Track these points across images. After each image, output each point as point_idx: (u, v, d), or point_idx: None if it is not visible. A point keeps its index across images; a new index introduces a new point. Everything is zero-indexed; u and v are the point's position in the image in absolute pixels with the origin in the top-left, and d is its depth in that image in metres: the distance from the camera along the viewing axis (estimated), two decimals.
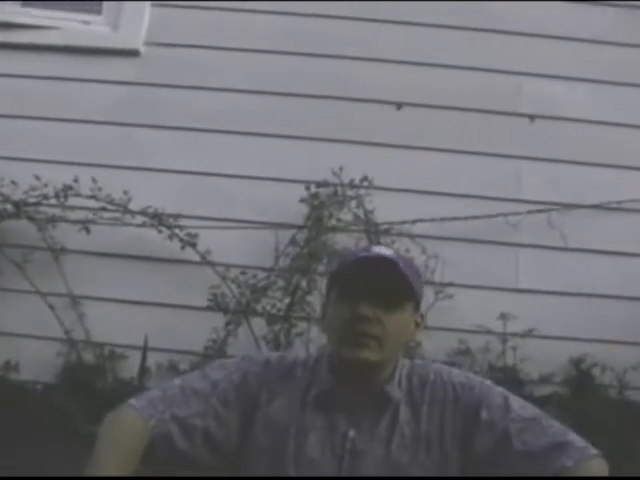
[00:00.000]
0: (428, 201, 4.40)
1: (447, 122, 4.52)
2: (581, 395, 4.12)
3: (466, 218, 4.32)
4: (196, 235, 4.26)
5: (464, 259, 4.28)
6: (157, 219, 4.27)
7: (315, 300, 4.05)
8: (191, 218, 4.31)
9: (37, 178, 4.24)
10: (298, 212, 4.29)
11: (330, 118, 4.53)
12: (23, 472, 3.76)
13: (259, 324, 4.16)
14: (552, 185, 4.45)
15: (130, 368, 4.20)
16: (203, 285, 4.18)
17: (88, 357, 4.25)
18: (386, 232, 4.26)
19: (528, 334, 4.15)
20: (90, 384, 4.16)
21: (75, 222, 4.28)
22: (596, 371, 4.18)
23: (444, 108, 4.53)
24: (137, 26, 4.67)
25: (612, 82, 4.54)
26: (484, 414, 2.13)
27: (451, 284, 4.14)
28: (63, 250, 4.34)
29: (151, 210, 4.27)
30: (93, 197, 4.26)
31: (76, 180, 4.25)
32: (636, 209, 4.35)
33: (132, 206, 4.27)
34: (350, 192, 4.31)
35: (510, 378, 4.02)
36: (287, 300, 4.18)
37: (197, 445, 2.15)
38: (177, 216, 4.28)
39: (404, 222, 4.27)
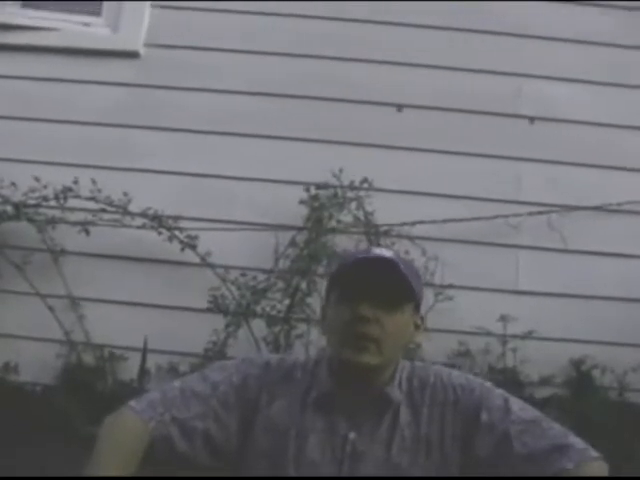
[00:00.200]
0: (428, 203, 4.40)
1: (447, 124, 4.52)
2: (581, 397, 4.12)
3: (466, 220, 4.32)
4: (196, 237, 4.26)
5: (464, 261, 4.28)
6: (157, 221, 4.27)
7: (315, 302, 4.05)
8: (191, 220, 4.31)
9: (37, 180, 4.24)
10: (298, 214, 4.29)
11: (330, 120, 4.53)
12: (23, 473, 3.76)
13: (259, 326, 4.16)
14: (552, 187, 4.45)
15: (130, 370, 4.20)
16: (203, 287, 4.18)
17: (88, 359, 4.25)
18: (386, 234, 4.26)
19: (528, 336, 4.15)
20: (90, 386, 4.16)
21: (75, 224, 4.28)
22: (596, 373, 4.17)
23: (444, 110, 4.53)
24: (137, 28, 4.67)
25: (612, 84, 4.54)
26: (484, 416, 2.13)
27: (451, 286, 4.14)
28: (63, 252, 4.34)
29: (151, 212, 4.27)
30: (93, 199, 4.26)
31: (76, 182, 4.24)
32: (636, 211, 4.35)
33: (132, 208, 4.27)
34: (350, 194, 4.31)
35: (510, 380, 4.02)
36: (287, 302, 4.18)
37: (197, 447, 2.15)
38: (177, 218, 4.28)
39: (404, 224, 4.27)
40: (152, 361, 4.19)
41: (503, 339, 4.16)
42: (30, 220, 4.29)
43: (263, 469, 2.15)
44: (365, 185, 4.30)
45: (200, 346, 4.11)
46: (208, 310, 4.15)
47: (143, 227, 4.28)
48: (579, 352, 4.19)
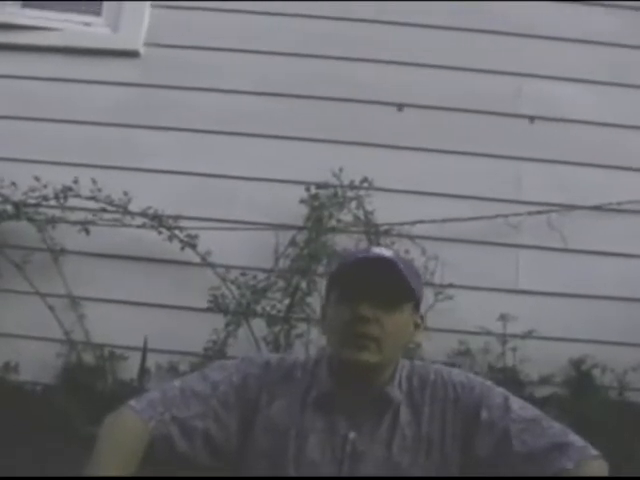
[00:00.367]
0: (428, 202, 4.40)
1: (447, 123, 4.52)
2: (581, 396, 4.12)
3: (466, 219, 4.32)
4: (196, 236, 4.26)
5: (464, 260, 4.28)
6: (157, 220, 4.27)
7: (315, 301, 4.05)
8: (191, 219, 4.31)
9: (37, 179, 4.24)
10: (298, 213, 4.29)
11: (330, 119, 4.53)
12: (23, 472, 3.76)
13: (259, 325, 4.17)
14: (552, 186, 4.45)
15: (130, 369, 4.20)
16: (203, 286, 4.18)
17: (88, 358, 4.25)
18: (386, 233, 4.26)
19: (528, 335, 4.15)
20: (90, 385, 4.16)
21: (75, 223, 4.28)
22: (596, 372, 4.18)
23: (445, 109, 4.53)
24: (137, 27, 4.67)
25: (612, 83, 4.54)
26: (484, 414, 2.13)
27: (451, 285, 4.14)
28: (63, 251, 4.34)
29: (151, 211, 4.27)
30: (93, 198, 4.26)
31: (76, 181, 4.25)
32: (636, 210, 4.35)
33: (132, 207, 4.28)
34: (350, 193, 4.31)
35: (510, 379, 4.02)
36: (287, 301, 4.18)
37: (197, 447, 2.15)
38: (177, 217, 4.28)
39: (404, 223, 4.27)
40: (152, 360, 4.19)
41: (503, 338, 4.16)
42: (30, 219, 4.29)
43: (263, 469, 2.15)
44: (365, 184, 4.30)
45: (200, 345, 4.11)
46: (208, 309, 4.16)
47: (143, 226, 4.29)
48: (579, 351, 4.19)
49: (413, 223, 4.27)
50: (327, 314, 2.21)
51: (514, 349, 4.15)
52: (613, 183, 4.42)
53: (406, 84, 4.57)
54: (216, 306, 4.17)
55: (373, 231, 4.29)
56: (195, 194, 4.43)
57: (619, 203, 4.34)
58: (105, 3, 4.75)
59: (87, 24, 4.74)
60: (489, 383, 2.23)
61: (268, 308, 4.18)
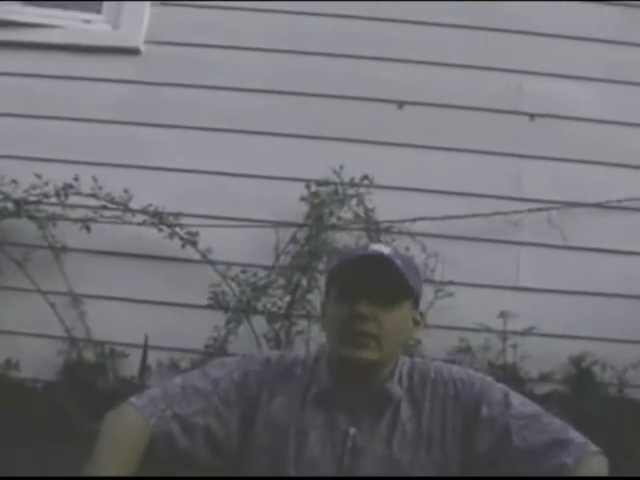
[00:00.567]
0: (428, 199, 4.40)
1: (448, 121, 4.52)
2: (581, 393, 4.12)
3: (466, 216, 4.33)
4: (196, 233, 4.26)
5: (464, 257, 4.28)
6: (157, 218, 4.27)
7: (315, 298, 4.05)
8: (191, 217, 4.31)
9: (38, 176, 4.24)
10: (299, 210, 4.30)
11: (331, 116, 4.53)
12: (23, 470, 3.77)
13: (260, 322, 4.17)
14: (552, 184, 4.45)
15: (131, 366, 4.20)
16: (204, 283, 4.19)
17: (89, 355, 4.26)
18: (386, 230, 4.26)
19: (528, 332, 4.15)
20: (91, 382, 4.16)
21: (76, 221, 4.29)
22: (596, 369, 4.18)
23: (445, 107, 4.53)
24: (137, 24, 4.68)
25: (613, 81, 4.54)
26: (484, 410, 2.13)
27: (451, 282, 4.14)
28: (64, 248, 4.34)
29: (151, 209, 4.27)
30: (93, 196, 4.26)
31: (76, 179, 4.25)
32: (636, 208, 4.35)
33: (132, 205, 4.28)
34: (350, 190, 4.31)
35: (510, 376, 4.03)
36: (287, 298, 4.19)
37: (198, 444, 2.15)
38: (177, 215, 4.28)
39: (404, 220, 4.27)
40: (153, 358, 4.19)
41: (503, 335, 4.16)
42: (31, 217, 4.29)
43: (264, 466, 2.15)
44: (365, 182, 4.30)
45: (201, 342, 4.12)
46: (209, 307, 4.16)
47: (144, 224, 4.29)
48: (579, 348, 4.19)
49: (413, 220, 4.27)
50: (327, 311, 2.22)
51: (514, 346, 4.15)
52: (613, 180, 4.42)
53: (407, 82, 4.57)
54: (217, 303, 4.17)
55: (373, 228, 4.29)
56: (196, 191, 4.43)
57: (619, 200, 4.34)
58: (105, 1, 4.75)
59: (87, 21, 4.74)
60: (489, 379, 2.24)
61: (269, 305, 4.18)
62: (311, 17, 4.65)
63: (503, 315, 4.13)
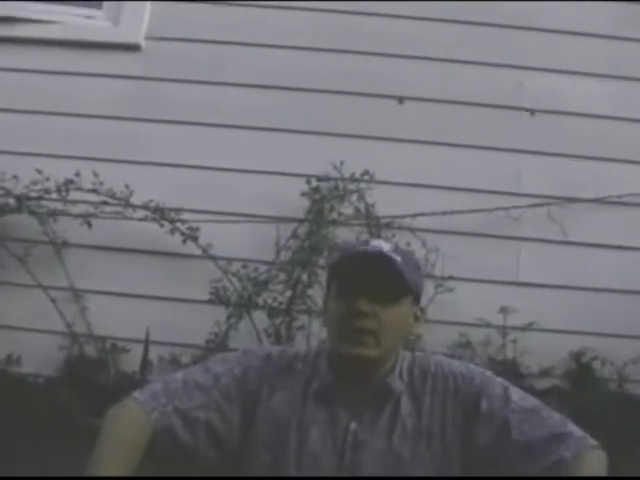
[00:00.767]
0: (429, 195, 4.40)
1: (448, 116, 4.52)
2: (581, 388, 4.13)
3: (467, 212, 4.33)
4: (197, 229, 4.27)
5: (464, 253, 4.28)
6: (158, 213, 4.28)
7: (316, 293, 4.06)
8: (192, 212, 4.31)
9: (39, 172, 4.24)
10: (299, 206, 4.30)
11: (331, 112, 4.53)
12: (24, 466, 3.78)
13: (260, 317, 4.18)
14: (553, 179, 4.45)
15: (132, 361, 4.21)
16: (204, 279, 4.19)
17: (90, 350, 4.26)
18: (387, 226, 4.27)
19: (528, 327, 4.16)
20: (92, 378, 4.17)
21: (77, 216, 4.29)
22: (596, 364, 4.18)
23: (446, 102, 4.53)
24: (138, 20, 4.67)
25: (612, 76, 4.54)
26: (484, 404, 2.14)
27: (451, 278, 4.15)
28: (65, 244, 4.34)
29: (152, 204, 4.28)
30: (94, 191, 4.27)
31: (77, 174, 4.25)
32: (636, 203, 4.35)
33: (134, 200, 4.28)
34: (351, 186, 4.32)
35: (510, 371, 4.03)
36: (288, 293, 4.19)
37: (200, 438, 2.16)
38: (178, 210, 4.29)
39: (405, 216, 4.28)
40: (154, 353, 4.20)
41: (503, 331, 4.17)
42: (32, 212, 4.29)
43: (265, 462, 2.16)
44: (366, 177, 4.30)
45: (202, 338, 4.13)
46: (210, 302, 4.17)
47: (145, 219, 4.29)
48: (579, 344, 4.19)
49: (414, 216, 4.28)
50: (328, 307, 2.23)
51: (514, 341, 4.16)
52: (613, 176, 4.42)
53: (407, 77, 4.58)
54: (217, 298, 4.18)
55: (374, 224, 4.29)
56: (196, 187, 4.44)
57: (619, 196, 4.35)
58: None
59: (88, 17, 4.74)
60: (489, 373, 2.24)
61: (269, 300, 4.19)
62: (312, 13, 4.65)
63: (503, 310, 4.13)
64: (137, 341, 4.18)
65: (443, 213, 4.30)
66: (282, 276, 4.23)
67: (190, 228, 4.27)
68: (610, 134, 4.46)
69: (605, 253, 4.36)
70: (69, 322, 4.26)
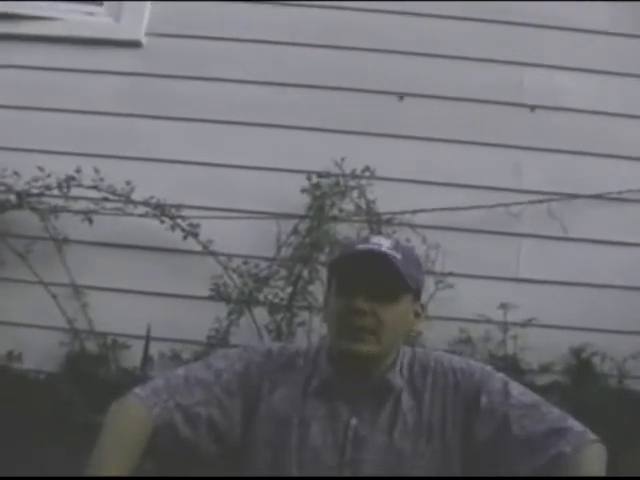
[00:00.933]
0: (429, 191, 4.41)
1: (449, 113, 4.52)
2: (581, 384, 4.13)
3: (467, 208, 4.34)
4: (198, 225, 4.27)
5: (465, 249, 4.29)
6: (159, 209, 4.28)
7: (317, 289, 4.06)
8: (193, 208, 4.32)
9: (40, 169, 4.25)
10: (300, 202, 4.30)
11: (332, 108, 4.54)
12: (26, 462, 3.78)
13: (261, 314, 4.18)
14: (553, 175, 4.45)
15: (133, 358, 4.22)
16: (205, 275, 4.20)
17: (91, 347, 4.27)
18: (387, 222, 4.27)
19: (528, 323, 4.16)
20: (93, 374, 4.17)
21: (77, 212, 4.30)
22: (596, 360, 4.18)
23: (446, 99, 4.53)
24: (139, 17, 4.68)
25: (613, 72, 4.54)
26: (484, 400, 2.14)
27: (452, 274, 4.15)
28: (66, 240, 4.35)
29: (153, 200, 4.28)
30: (95, 187, 4.27)
31: (78, 171, 4.25)
32: (636, 199, 4.36)
33: (134, 196, 4.29)
34: (352, 182, 4.32)
35: (511, 367, 4.03)
36: (289, 290, 4.20)
37: (201, 434, 2.16)
38: (179, 206, 4.29)
39: (405, 212, 4.28)
40: (155, 349, 4.21)
41: (504, 327, 4.17)
42: (33, 209, 4.30)
43: (266, 456, 2.16)
44: (367, 173, 4.30)
45: (203, 334, 4.13)
46: (210, 298, 4.17)
47: (145, 216, 4.30)
48: (579, 340, 4.19)
49: (414, 212, 4.28)
50: (328, 303, 2.23)
51: (515, 337, 4.16)
52: (614, 172, 4.42)
53: (407, 74, 4.58)
54: (218, 295, 4.18)
55: (375, 220, 4.30)
56: (197, 183, 4.44)
57: (619, 192, 4.35)
58: None
59: (89, 14, 4.75)
60: (489, 369, 2.25)
61: (270, 296, 4.20)
62: (311, 9, 4.65)
63: (503, 306, 4.14)
64: (138, 337, 4.19)
65: (443, 209, 4.31)
66: (283, 272, 4.23)
67: (191, 224, 4.27)
68: (610, 130, 4.47)
69: (605, 249, 4.36)
70: (70, 318, 4.27)
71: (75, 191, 4.29)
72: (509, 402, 2.13)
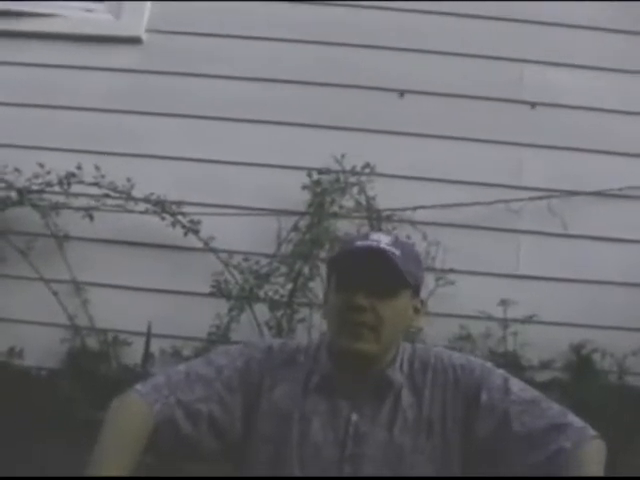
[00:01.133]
0: (429, 188, 4.41)
1: (449, 109, 4.52)
2: (581, 381, 4.13)
3: (467, 205, 4.34)
4: (199, 222, 4.28)
5: (465, 245, 4.29)
6: (160, 206, 4.29)
7: (317, 286, 4.07)
8: (194, 205, 4.32)
9: (41, 165, 4.25)
10: (300, 199, 4.31)
11: (332, 105, 4.54)
12: (26, 459, 3.79)
13: (262, 310, 4.19)
14: (553, 172, 4.46)
15: (134, 354, 4.22)
16: (206, 271, 4.20)
17: (92, 343, 4.27)
18: (388, 219, 4.28)
19: (528, 320, 4.17)
20: (94, 370, 4.18)
21: (78, 209, 4.30)
22: (596, 357, 4.19)
23: (446, 96, 4.53)
24: (139, 14, 4.68)
25: (613, 69, 4.55)
26: (484, 396, 2.14)
27: (452, 270, 4.15)
28: (66, 237, 4.36)
29: (154, 197, 4.29)
30: (96, 184, 4.28)
31: (79, 167, 4.26)
32: (636, 196, 4.36)
33: (135, 193, 4.29)
34: (352, 179, 4.33)
35: (511, 363, 4.04)
36: (289, 286, 4.20)
37: (202, 431, 2.17)
38: (180, 203, 4.30)
39: (405, 209, 4.28)
40: (156, 345, 4.21)
41: (504, 323, 4.17)
42: (34, 206, 4.30)
43: (267, 453, 2.17)
44: (367, 170, 4.31)
45: (203, 330, 4.13)
46: (211, 295, 4.18)
47: (146, 212, 4.30)
48: (579, 336, 4.20)
49: (414, 209, 4.28)
50: (328, 299, 2.24)
51: (515, 334, 4.17)
52: (613, 169, 4.43)
53: (407, 70, 4.58)
54: (219, 291, 4.19)
55: (375, 216, 4.30)
56: (198, 180, 4.45)
57: (620, 189, 4.35)
58: None
59: (89, 11, 4.75)
60: (489, 365, 2.25)
61: (271, 293, 4.20)
62: (311, 6, 4.66)
63: (503, 303, 4.14)
64: (139, 334, 4.19)
65: (444, 206, 4.31)
66: (283, 269, 4.24)
67: (191, 221, 4.28)
68: (610, 127, 4.47)
69: (605, 246, 4.37)
70: (71, 315, 4.27)
71: (76, 188, 4.30)
72: (509, 398, 2.14)
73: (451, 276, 4.14)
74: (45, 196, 4.32)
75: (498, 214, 4.36)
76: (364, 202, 4.32)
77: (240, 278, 4.22)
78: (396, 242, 2.22)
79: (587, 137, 4.45)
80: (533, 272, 4.36)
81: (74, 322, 4.27)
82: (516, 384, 2.19)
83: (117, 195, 4.29)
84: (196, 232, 4.28)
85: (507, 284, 4.31)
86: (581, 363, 4.19)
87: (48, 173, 4.27)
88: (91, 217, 4.28)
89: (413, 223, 4.24)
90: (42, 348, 4.27)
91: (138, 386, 2.19)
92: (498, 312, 4.16)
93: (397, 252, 2.15)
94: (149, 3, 4.71)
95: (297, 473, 2.14)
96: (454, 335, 4.18)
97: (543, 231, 4.40)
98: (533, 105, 4.54)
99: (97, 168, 4.25)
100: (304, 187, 4.30)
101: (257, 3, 4.66)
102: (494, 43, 4.58)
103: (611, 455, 2.09)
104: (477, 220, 4.37)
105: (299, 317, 4.16)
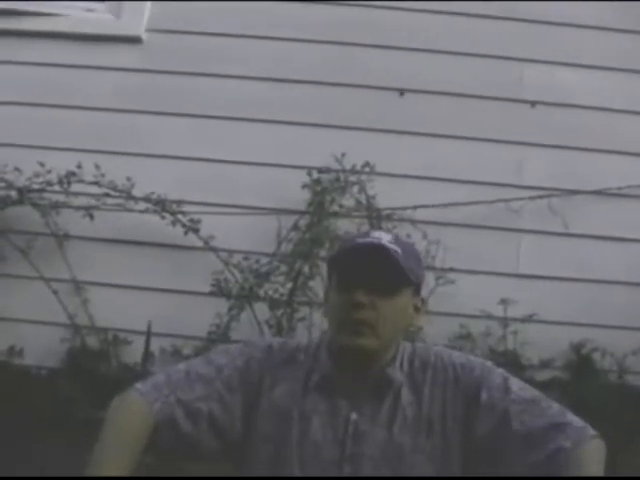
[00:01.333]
0: (430, 187, 4.41)
1: (449, 108, 4.52)
2: (581, 380, 4.13)
3: (468, 204, 4.34)
4: (199, 221, 4.28)
5: (465, 245, 4.29)
6: (160, 205, 4.29)
7: (317, 285, 4.07)
8: (194, 204, 4.33)
9: (41, 165, 4.26)
10: (300, 198, 4.31)
11: (332, 104, 4.54)
12: (26, 458, 3.79)
13: (262, 309, 4.19)
14: (553, 171, 4.46)
15: (134, 353, 4.23)
16: (206, 270, 4.21)
17: (92, 342, 4.27)
18: (388, 218, 4.28)
19: (529, 319, 4.17)
20: (94, 369, 4.18)
21: (78, 208, 4.30)
22: (596, 356, 4.19)
23: (446, 94, 4.53)
24: (139, 13, 4.68)
25: (613, 68, 4.55)
26: (484, 395, 2.14)
27: (452, 269, 4.16)
28: (67, 236, 4.36)
29: (154, 196, 4.29)
30: (96, 183, 4.28)
31: (79, 166, 4.26)
32: (637, 195, 4.36)
33: (135, 192, 4.29)
34: (352, 178, 4.33)
35: (511, 362, 4.04)
36: (289, 285, 4.20)
37: (202, 430, 2.16)
38: (180, 202, 4.30)
39: (406, 208, 4.29)
40: (156, 344, 4.21)
41: (504, 322, 4.18)
42: (34, 205, 4.31)
43: (267, 452, 2.17)
44: (367, 169, 4.31)
45: (203, 329, 4.14)
46: (211, 294, 4.18)
47: (146, 211, 4.31)
48: (579, 335, 4.20)
49: (415, 207, 4.28)
50: (329, 298, 2.24)
51: (515, 333, 4.17)
52: (614, 168, 4.43)
53: (408, 69, 4.58)
54: (219, 290, 4.19)
55: (375, 216, 4.30)
56: (198, 179, 4.45)
57: (620, 188, 4.35)
58: None
59: (90, 10, 4.75)
60: (489, 364, 2.24)
61: (271, 292, 4.20)
62: (311, 5, 4.65)
63: (504, 302, 4.14)
64: (139, 333, 4.19)
65: (444, 205, 4.31)
66: (283, 268, 4.24)
67: (191, 220, 4.28)
68: (611, 126, 4.47)
69: (606, 245, 4.37)
70: (71, 314, 4.27)
71: (76, 187, 4.30)
72: (509, 397, 2.14)
73: (451, 275, 4.14)
74: (45, 195, 4.32)
75: (498, 213, 4.36)
76: (364, 201, 4.33)
77: (240, 277, 4.22)
78: (397, 240, 2.22)
79: (588, 136, 4.45)
80: (533, 271, 4.36)
81: (74, 321, 4.27)
82: (516, 383, 2.19)
83: (117, 194, 4.30)
84: (196, 231, 4.28)
85: (507, 283, 4.31)
86: (581, 362, 4.19)
87: (48, 172, 4.27)
88: (91, 216, 4.28)
89: (413, 222, 4.24)
90: (42, 347, 4.27)
91: (138, 385, 2.19)
92: (498, 311, 4.16)
93: (398, 250, 2.15)
94: (149, 3, 4.71)
95: (297, 472, 2.14)
96: (454, 334, 4.19)
97: (543, 230, 4.40)
98: (534, 104, 4.54)
99: (97, 167, 4.25)
100: (304, 186, 4.30)
101: (257, 3, 4.65)
102: (495, 42, 4.57)
103: (611, 455, 2.08)
104: (477, 219, 4.37)
105: (299, 316, 4.16)
